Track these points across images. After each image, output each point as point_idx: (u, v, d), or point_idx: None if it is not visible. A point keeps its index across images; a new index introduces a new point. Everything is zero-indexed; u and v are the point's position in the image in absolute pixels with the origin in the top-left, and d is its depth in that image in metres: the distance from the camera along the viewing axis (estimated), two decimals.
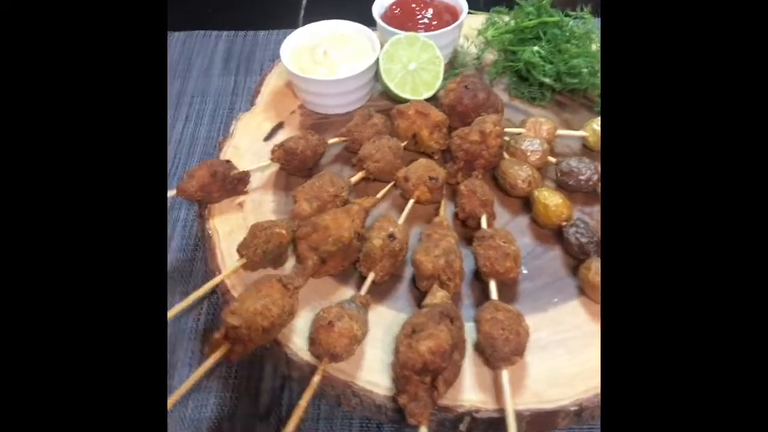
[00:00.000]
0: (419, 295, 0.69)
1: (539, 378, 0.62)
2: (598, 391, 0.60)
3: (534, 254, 0.75)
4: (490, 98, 0.89)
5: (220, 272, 0.72)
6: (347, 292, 0.70)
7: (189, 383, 0.58)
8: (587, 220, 0.76)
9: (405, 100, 0.91)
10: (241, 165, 0.82)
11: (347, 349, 0.62)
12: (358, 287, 0.69)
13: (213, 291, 0.71)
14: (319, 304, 0.68)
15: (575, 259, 0.74)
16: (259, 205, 0.81)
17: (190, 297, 0.66)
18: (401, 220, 0.76)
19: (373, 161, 0.82)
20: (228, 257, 0.74)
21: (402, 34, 0.96)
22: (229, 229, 0.77)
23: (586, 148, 0.90)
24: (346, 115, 0.95)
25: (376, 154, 0.82)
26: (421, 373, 0.57)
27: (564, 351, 0.64)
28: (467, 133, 0.82)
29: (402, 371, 0.57)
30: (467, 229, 0.78)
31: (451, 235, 0.72)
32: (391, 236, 0.70)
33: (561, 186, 0.82)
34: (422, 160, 0.83)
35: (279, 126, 0.93)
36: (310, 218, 0.72)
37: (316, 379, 0.60)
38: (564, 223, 0.76)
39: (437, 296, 0.65)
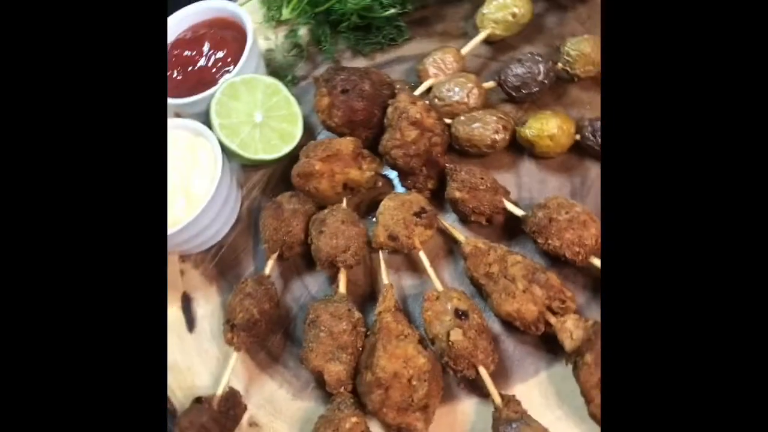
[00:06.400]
0: None
1: None
2: None
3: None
4: (373, 79, 0.72)
5: None
6: None
7: None
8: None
9: (259, 162, 0.76)
10: None
11: None
12: None
13: None
14: None
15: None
16: None
17: None
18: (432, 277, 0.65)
19: (345, 252, 0.66)
20: None
21: (235, 78, 0.76)
22: None
23: (491, 43, 0.81)
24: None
25: (340, 241, 0.66)
26: None
27: None
28: (399, 137, 0.66)
29: None
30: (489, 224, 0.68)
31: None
32: (463, 314, 0.62)
33: (515, 100, 0.73)
34: (385, 203, 0.68)
35: None
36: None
37: None
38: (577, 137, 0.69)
39: None
